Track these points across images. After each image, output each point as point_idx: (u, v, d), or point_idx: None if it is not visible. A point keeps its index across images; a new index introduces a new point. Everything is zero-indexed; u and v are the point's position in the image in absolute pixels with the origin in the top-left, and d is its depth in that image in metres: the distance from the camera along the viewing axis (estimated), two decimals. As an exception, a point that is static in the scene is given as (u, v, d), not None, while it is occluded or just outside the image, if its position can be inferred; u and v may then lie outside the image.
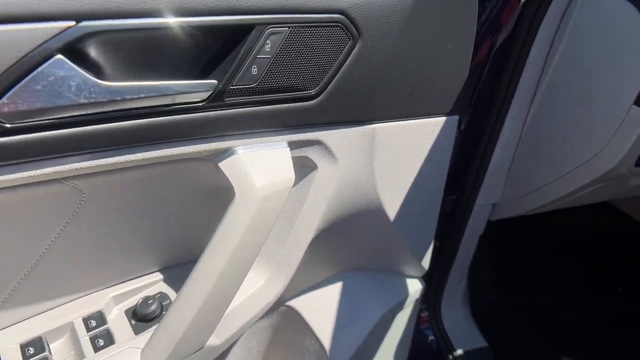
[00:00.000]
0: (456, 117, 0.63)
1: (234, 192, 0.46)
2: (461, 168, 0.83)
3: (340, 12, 0.45)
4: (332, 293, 0.77)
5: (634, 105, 0.59)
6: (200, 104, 0.42)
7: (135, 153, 0.41)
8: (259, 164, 0.46)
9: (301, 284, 0.74)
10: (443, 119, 0.61)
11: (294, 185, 0.52)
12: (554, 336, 1.16)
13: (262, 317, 0.73)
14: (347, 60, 0.47)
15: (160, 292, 0.56)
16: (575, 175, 0.71)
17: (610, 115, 0.63)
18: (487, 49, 0.71)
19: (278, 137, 0.48)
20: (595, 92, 0.65)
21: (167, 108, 0.40)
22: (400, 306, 0.81)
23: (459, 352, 1.04)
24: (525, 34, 0.68)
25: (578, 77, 0.67)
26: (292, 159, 0.49)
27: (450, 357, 1.04)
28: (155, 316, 0.53)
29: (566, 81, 0.69)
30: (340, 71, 0.48)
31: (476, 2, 0.55)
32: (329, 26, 0.45)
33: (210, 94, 0.41)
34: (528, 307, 1.22)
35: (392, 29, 0.49)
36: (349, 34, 0.46)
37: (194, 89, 0.41)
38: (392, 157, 0.59)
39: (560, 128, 0.72)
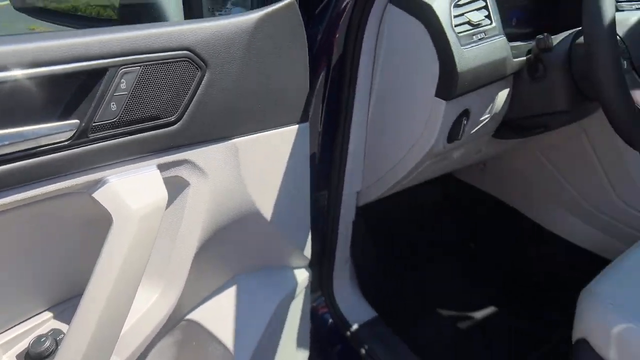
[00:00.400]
0: (307, 124, 0.74)
1: (111, 218, 0.50)
2: (325, 166, 0.95)
3: (187, 49, 0.53)
4: (227, 298, 0.83)
5: (435, 97, 0.77)
6: (65, 143, 0.46)
7: (4, 197, 0.44)
8: (131, 188, 0.51)
9: (196, 296, 0.79)
10: (296, 127, 0.72)
11: (170, 203, 0.58)
12: (431, 296, 1.37)
13: (165, 336, 0.77)
14: (199, 88, 0.55)
15: (53, 329, 0.57)
16: (409, 157, 0.87)
17: (422, 106, 0.80)
18: (325, 63, 0.84)
19: (147, 161, 0.54)
20: (410, 90, 0.82)
21: (33, 150, 0.44)
22: (291, 296, 0.91)
23: (355, 327, 1.17)
24: (352, 49, 0.82)
25: (396, 79, 0.83)
26: (164, 180, 0.55)
27: (348, 333, 1.16)
28: (50, 352, 0.54)
29: (389, 83, 0.85)
30: (194, 98, 0.55)
31: (303, 28, 0.67)
32: (178, 61, 0.52)
33: (74, 133, 0.46)
34: (406, 273, 1.41)
35: (235, 57, 0.58)
36: (197, 66, 0.54)
37: (57, 130, 0.45)
38: (257, 165, 0.68)
39: (392, 121, 0.88)
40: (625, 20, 0.82)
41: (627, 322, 0.73)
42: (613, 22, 0.71)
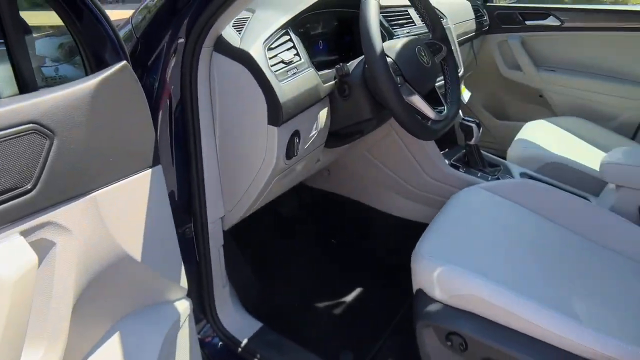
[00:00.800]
0: (159, 166, 0.82)
1: None
2: (185, 200, 1.03)
3: (32, 122, 0.57)
4: (114, 344, 0.85)
5: (268, 125, 0.92)
6: None
7: None
8: None
9: (81, 349, 0.80)
10: (149, 170, 0.80)
11: (41, 265, 0.61)
12: (307, 292, 1.53)
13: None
14: (50, 154, 0.60)
15: None
16: (259, 177, 1.01)
17: (261, 133, 0.95)
18: (167, 108, 0.93)
19: (10, 230, 0.57)
20: (248, 121, 0.96)
21: None
22: (176, 327, 0.96)
23: (244, 342, 1.26)
24: (189, 93, 0.92)
25: (234, 113, 0.97)
26: (31, 244, 0.58)
27: (239, 350, 1.25)
28: None
29: (229, 117, 0.98)
30: (47, 164, 0.60)
31: (138, 84, 0.75)
32: (26, 134, 0.57)
33: None
34: (281, 278, 1.55)
35: (80, 122, 0.64)
36: (44, 135, 0.59)
37: None
38: (119, 212, 0.74)
39: (239, 148, 1.01)
40: (394, 45, 1.09)
41: (443, 266, 0.97)
42: (382, 50, 0.95)
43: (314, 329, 1.43)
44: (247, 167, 1.03)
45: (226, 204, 1.11)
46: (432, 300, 0.98)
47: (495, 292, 0.89)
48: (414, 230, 1.63)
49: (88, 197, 0.67)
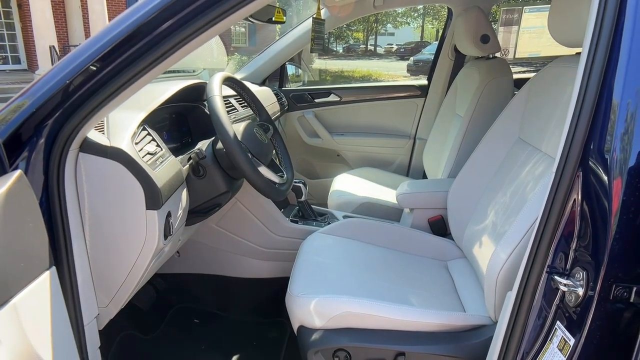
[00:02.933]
0: (54, 268, 0.83)
1: None
2: None
3: None
4: None
5: (147, 210, 1.02)
6: None
7: None
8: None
9: None
10: (48, 272, 0.81)
11: None
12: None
13: None
14: None
15: None
16: (140, 261, 1.07)
17: (140, 219, 1.03)
18: (46, 212, 0.92)
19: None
20: (125, 211, 1.03)
21: None
22: None
23: None
24: (57, 196, 0.94)
25: (108, 207, 1.02)
26: None
27: None
28: None
29: (101, 212, 1.02)
30: None
31: (32, 192, 0.78)
32: None
33: None
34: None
35: None
36: None
37: None
38: (33, 316, 0.74)
39: (113, 240, 1.05)
40: (237, 128, 1.33)
41: (315, 298, 1.18)
42: (235, 134, 1.18)
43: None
44: (124, 257, 1.07)
45: (101, 300, 1.11)
46: (313, 330, 1.18)
47: (358, 303, 1.15)
48: (271, 287, 1.82)
49: (8, 305, 0.67)
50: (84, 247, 1.02)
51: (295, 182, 1.85)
